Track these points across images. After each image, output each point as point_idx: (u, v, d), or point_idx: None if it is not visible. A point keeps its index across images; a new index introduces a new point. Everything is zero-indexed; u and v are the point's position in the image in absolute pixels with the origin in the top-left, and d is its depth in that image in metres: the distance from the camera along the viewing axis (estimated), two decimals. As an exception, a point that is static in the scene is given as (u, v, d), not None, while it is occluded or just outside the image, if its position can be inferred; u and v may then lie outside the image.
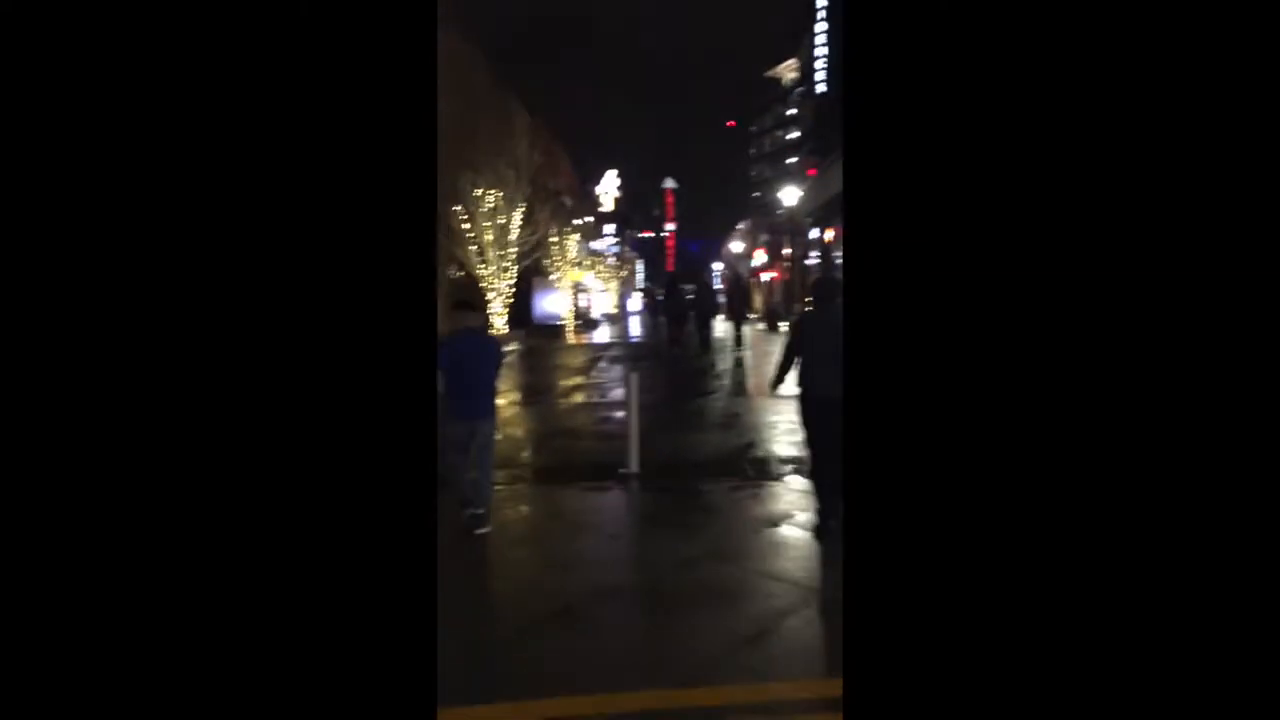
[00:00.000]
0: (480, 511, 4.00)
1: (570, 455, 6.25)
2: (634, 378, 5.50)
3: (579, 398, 9.61)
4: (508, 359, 14.11)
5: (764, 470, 5.32)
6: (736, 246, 44.47)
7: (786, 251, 28.49)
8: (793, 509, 4.44)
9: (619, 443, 5.76)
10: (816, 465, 4.08)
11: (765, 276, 34.85)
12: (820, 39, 22.17)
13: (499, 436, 6.79)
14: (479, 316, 4.86)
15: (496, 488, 4.64)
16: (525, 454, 6.39)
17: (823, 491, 4.03)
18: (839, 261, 23.33)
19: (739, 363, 13.02)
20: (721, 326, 17.90)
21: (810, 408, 3.99)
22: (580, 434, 7.14)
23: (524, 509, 4.82)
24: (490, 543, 3.97)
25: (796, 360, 4.03)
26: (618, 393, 9.54)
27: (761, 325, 24.64)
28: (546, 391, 10.18)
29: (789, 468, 5.26)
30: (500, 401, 9.00)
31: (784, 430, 6.51)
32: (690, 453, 6.07)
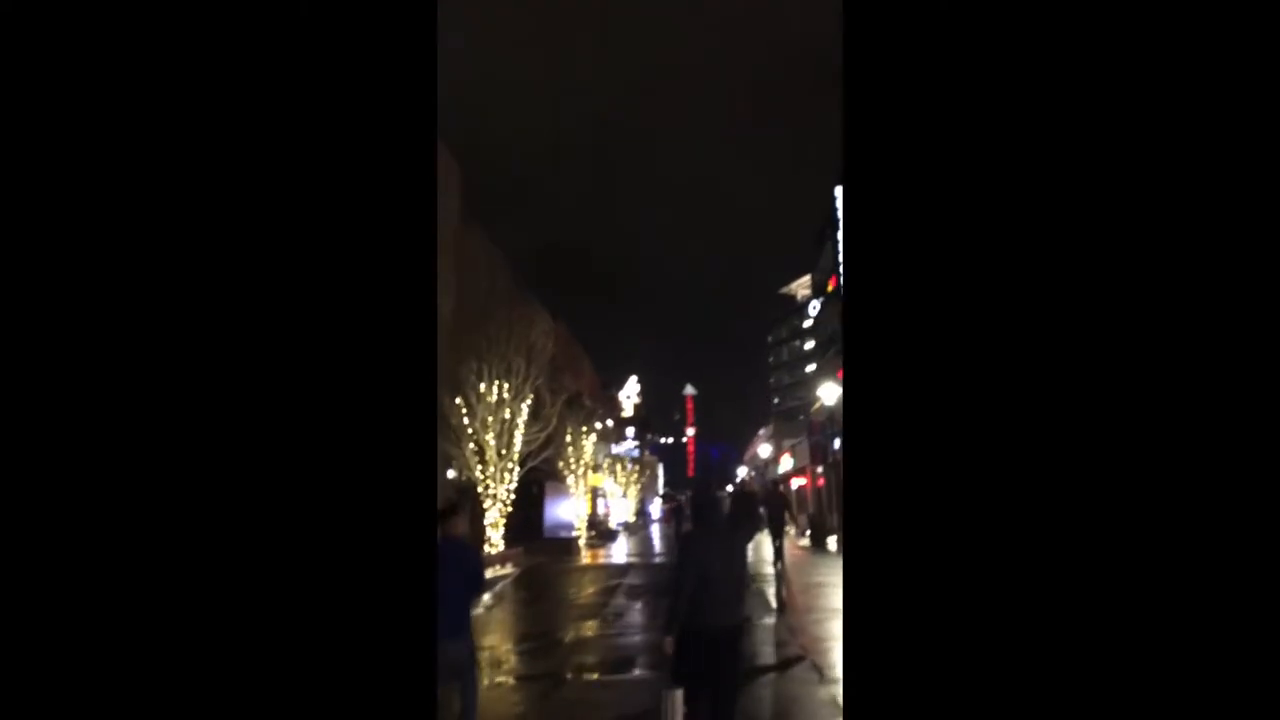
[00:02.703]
0: None
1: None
2: (677, 701, 2.72)
3: (587, 662, 6.59)
4: (496, 589, 11.26)
5: None
6: (764, 451, 42.04)
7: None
8: None
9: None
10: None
11: (795, 483, 32.05)
12: (841, 247, 22.05)
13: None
14: (460, 522, 3.97)
15: None
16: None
17: None
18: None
19: (781, 607, 9.06)
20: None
21: (698, 641, 3.23)
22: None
23: None
24: None
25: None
26: (642, 663, 6.53)
27: (804, 542, 21.21)
28: (541, 652, 7.16)
29: None
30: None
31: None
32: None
